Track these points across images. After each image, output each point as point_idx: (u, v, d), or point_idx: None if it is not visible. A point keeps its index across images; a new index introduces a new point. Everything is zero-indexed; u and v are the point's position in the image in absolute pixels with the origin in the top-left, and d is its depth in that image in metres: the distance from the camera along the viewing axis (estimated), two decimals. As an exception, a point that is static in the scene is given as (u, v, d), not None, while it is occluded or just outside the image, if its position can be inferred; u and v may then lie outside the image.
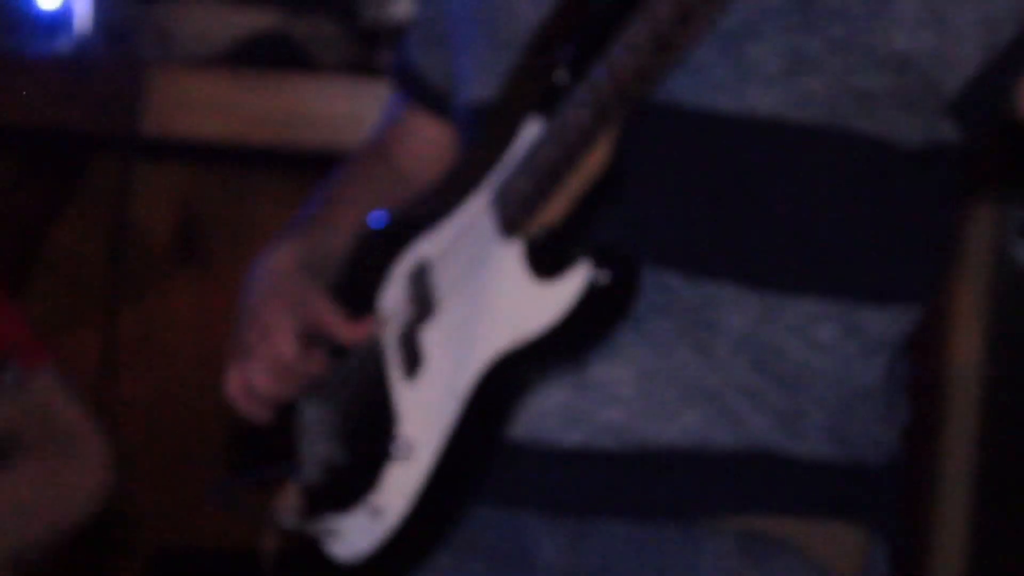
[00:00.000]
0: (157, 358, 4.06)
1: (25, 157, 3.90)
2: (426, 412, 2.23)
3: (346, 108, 3.55)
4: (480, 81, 2.28)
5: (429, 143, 2.50)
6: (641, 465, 2.11)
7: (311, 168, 2.91)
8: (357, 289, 2.36)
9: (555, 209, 2.08)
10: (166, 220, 4.04)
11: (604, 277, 2.06)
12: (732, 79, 2.09)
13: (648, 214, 2.15)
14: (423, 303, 2.26)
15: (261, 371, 2.28)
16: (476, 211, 2.22)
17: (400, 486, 2.23)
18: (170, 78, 3.52)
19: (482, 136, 2.27)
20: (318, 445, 2.40)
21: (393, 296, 2.30)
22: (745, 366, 2.14)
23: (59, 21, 3.53)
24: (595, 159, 2.06)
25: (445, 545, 2.25)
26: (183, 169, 4.00)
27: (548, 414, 2.14)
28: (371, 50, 3.64)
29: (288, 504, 2.82)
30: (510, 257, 2.14)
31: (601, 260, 2.05)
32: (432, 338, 2.25)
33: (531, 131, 2.14)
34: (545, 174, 2.10)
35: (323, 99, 3.38)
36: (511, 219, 2.13)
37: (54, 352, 3.58)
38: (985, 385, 3.69)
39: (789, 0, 2.05)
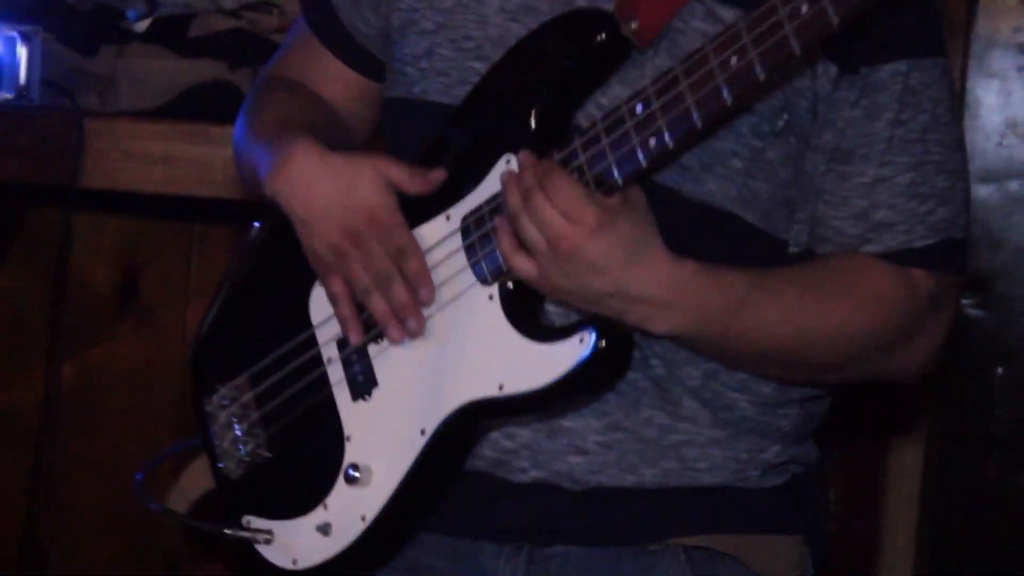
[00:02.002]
0: (97, 406, 4.03)
1: None
2: (381, 439, 2.26)
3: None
4: (439, 83, 2.34)
5: (341, 86, 2.57)
6: (596, 500, 2.17)
7: (252, 220, 2.85)
8: (290, 283, 2.39)
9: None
10: (107, 270, 4.04)
11: (603, 351, 2.13)
12: (697, 167, 2.20)
13: None
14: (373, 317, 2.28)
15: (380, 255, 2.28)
16: (441, 243, 2.27)
17: (355, 509, 2.26)
18: (112, 129, 3.49)
19: (443, 154, 2.31)
20: (238, 440, 2.41)
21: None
22: (703, 420, 2.21)
23: (0, 70, 3.49)
24: None
25: (393, 568, 2.26)
26: (124, 220, 4.00)
27: (511, 452, 2.19)
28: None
29: (192, 484, 2.87)
30: (486, 303, 2.21)
31: (601, 334, 2.13)
32: (387, 363, 2.30)
33: (506, 171, 2.18)
34: None
35: (265, 151, 3.21)
36: (490, 268, 2.17)
37: None
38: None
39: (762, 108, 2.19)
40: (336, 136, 2.52)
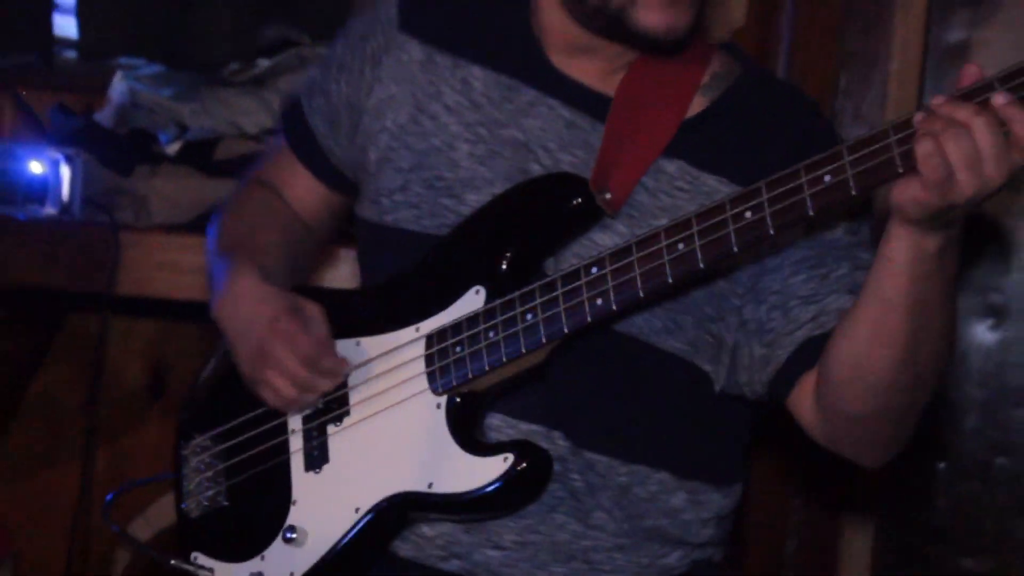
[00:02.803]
0: (138, 490, 3.83)
1: (11, 310, 3.90)
2: (321, 509, 2.41)
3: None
4: (411, 214, 2.48)
5: (309, 196, 2.70)
6: None
7: None
8: None
9: (484, 382, 2.32)
10: (138, 368, 4.11)
11: (521, 471, 2.29)
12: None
13: (552, 395, 2.37)
14: (338, 401, 2.44)
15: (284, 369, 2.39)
16: (404, 350, 2.40)
17: (286, 565, 2.44)
18: (144, 241, 3.51)
19: (419, 276, 2.44)
20: (204, 484, 2.56)
21: None
22: (611, 529, 2.39)
23: (46, 188, 3.56)
24: (535, 356, 2.31)
25: None
26: (154, 323, 4.06)
27: (431, 541, 2.37)
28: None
29: (158, 516, 2.91)
30: (433, 411, 2.35)
31: (522, 455, 2.29)
32: (340, 444, 2.43)
33: (472, 300, 2.36)
34: (486, 358, 2.32)
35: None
36: (443, 381, 2.33)
37: (35, 486, 3.95)
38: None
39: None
40: (292, 249, 2.66)
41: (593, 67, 2.49)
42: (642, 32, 2.38)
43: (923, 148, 2.06)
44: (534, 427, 2.38)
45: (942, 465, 3.70)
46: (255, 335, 2.42)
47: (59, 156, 3.55)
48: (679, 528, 2.43)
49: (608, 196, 2.36)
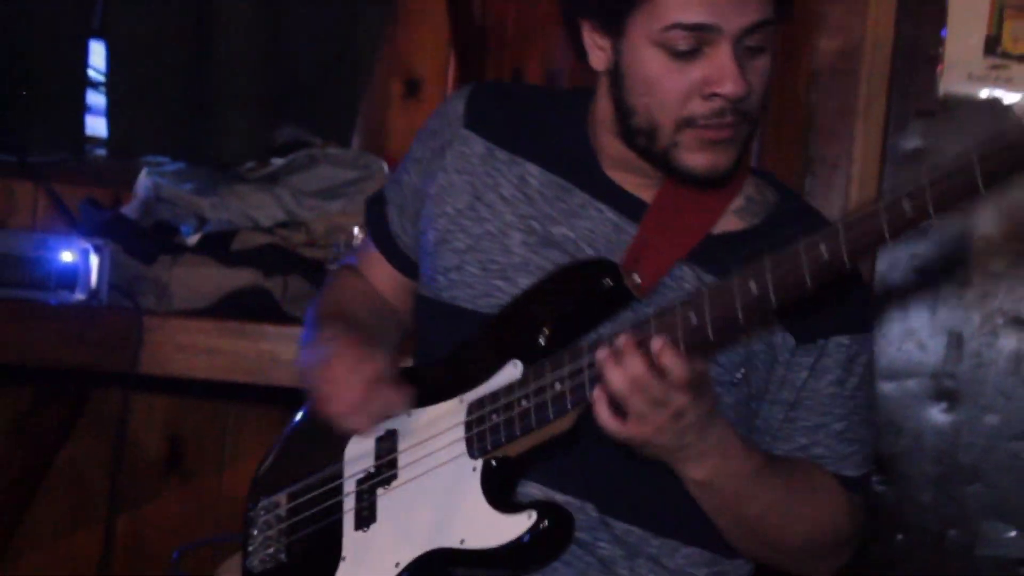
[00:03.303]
0: (147, 554, 4.11)
1: (42, 387, 3.94)
2: (366, 565, 2.46)
3: (312, 354, 3.56)
4: (466, 293, 2.50)
5: (387, 279, 2.75)
6: None
7: (280, 402, 3.15)
8: (332, 429, 2.51)
9: (516, 447, 2.37)
10: (157, 441, 4.16)
11: (544, 528, 2.31)
12: None
13: (586, 467, 2.40)
14: (388, 465, 2.46)
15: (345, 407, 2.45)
16: (448, 418, 2.42)
17: None
18: (166, 326, 3.50)
19: (467, 351, 2.46)
20: (267, 542, 2.61)
21: (362, 445, 2.51)
22: None
23: (76, 275, 3.54)
24: (562, 423, 2.34)
25: None
26: (173, 400, 4.12)
27: None
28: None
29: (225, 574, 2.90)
30: (469, 473, 2.38)
31: (545, 514, 2.31)
32: (387, 504, 2.44)
33: (510, 372, 2.38)
34: (518, 425, 2.35)
35: (293, 345, 3.14)
36: (479, 446, 2.38)
37: (60, 549, 3.89)
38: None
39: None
40: (374, 322, 2.68)
41: (638, 180, 2.49)
42: (685, 171, 2.40)
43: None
44: (568, 498, 2.39)
45: (900, 537, 3.79)
46: (325, 356, 2.51)
47: (88, 246, 3.55)
48: None
49: (637, 281, 2.38)
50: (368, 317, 2.69)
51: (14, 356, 3.50)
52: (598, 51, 2.42)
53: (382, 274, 2.76)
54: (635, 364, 2.16)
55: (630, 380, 2.17)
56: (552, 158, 2.53)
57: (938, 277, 3.75)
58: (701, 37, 2.31)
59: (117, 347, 3.50)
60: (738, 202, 2.48)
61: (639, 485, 2.40)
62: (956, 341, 3.80)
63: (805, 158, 3.89)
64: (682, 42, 2.31)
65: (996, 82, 3.82)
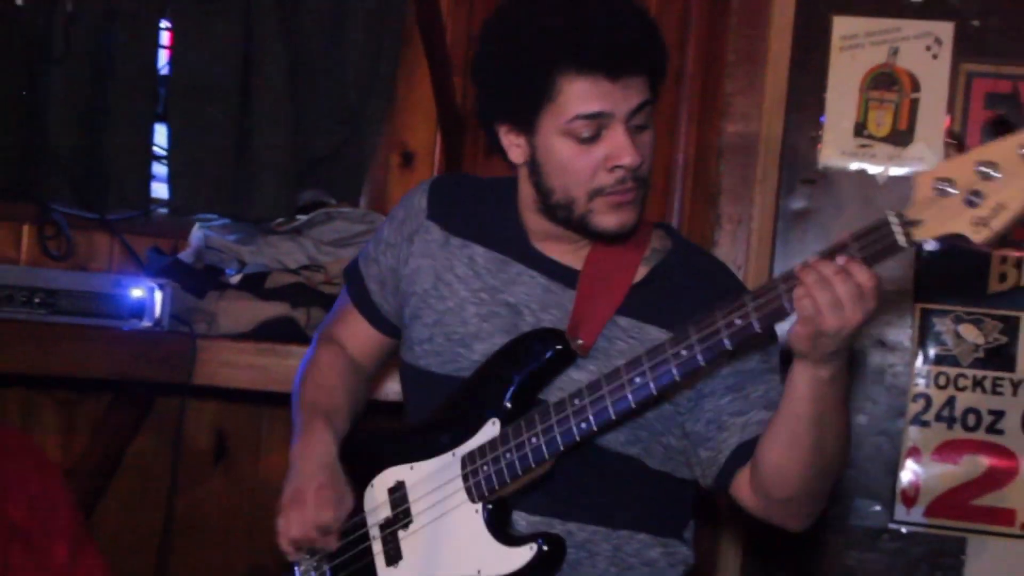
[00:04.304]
0: (200, 528, 4.46)
1: (116, 395, 4.28)
2: None
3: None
4: (437, 360, 2.63)
5: (366, 339, 2.83)
6: None
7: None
8: (352, 481, 2.65)
9: (507, 490, 2.53)
10: (207, 437, 4.51)
11: (546, 552, 2.48)
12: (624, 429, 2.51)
13: (552, 493, 2.57)
14: (403, 513, 2.58)
15: (300, 525, 2.56)
16: (447, 471, 2.54)
17: None
18: (214, 347, 3.80)
19: (451, 411, 2.57)
20: None
21: (377, 497, 2.63)
22: None
23: (143, 307, 3.80)
24: (543, 467, 2.52)
25: None
26: (220, 405, 4.46)
27: None
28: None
29: None
30: (473, 515, 2.53)
31: (546, 542, 2.49)
32: (410, 543, 2.57)
33: (491, 429, 2.52)
34: (507, 473, 2.48)
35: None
36: (478, 492, 2.52)
37: (128, 526, 4.13)
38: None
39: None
40: (355, 399, 2.78)
41: (562, 248, 2.62)
42: (601, 231, 2.52)
43: (798, 293, 2.22)
44: (540, 518, 2.56)
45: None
46: (302, 483, 2.59)
47: (153, 284, 3.79)
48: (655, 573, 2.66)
49: (580, 343, 2.52)
50: (345, 399, 2.77)
51: (94, 371, 3.76)
52: (515, 147, 2.55)
53: (363, 336, 2.85)
54: (839, 277, 2.21)
55: (841, 277, 2.21)
56: (492, 238, 2.64)
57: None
58: (599, 123, 2.44)
59: (175, 364, 3.76)
60: (646, 252, 2.62)
61: (593, 494, 2.57)
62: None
63: (715, 216, 4.14)
64: (585, 129, 2.44)
65: (863, 157, 4.14)
